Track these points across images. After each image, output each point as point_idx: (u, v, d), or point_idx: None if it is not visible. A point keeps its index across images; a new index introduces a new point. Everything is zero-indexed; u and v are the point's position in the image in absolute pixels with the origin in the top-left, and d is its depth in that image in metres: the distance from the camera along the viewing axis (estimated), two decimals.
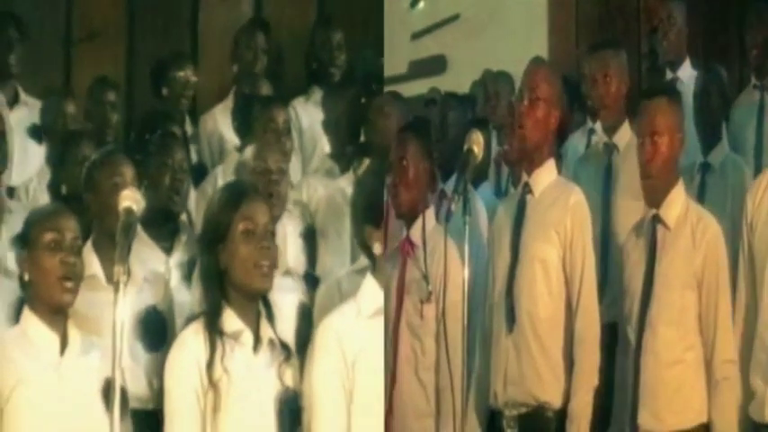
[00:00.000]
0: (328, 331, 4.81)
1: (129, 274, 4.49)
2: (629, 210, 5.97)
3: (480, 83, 8.51)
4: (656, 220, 5.46)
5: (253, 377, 4.68)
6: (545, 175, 5.67)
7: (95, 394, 4.68)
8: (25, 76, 7.97)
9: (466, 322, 5.08)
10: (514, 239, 5.63)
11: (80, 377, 4.73)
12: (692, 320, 5.36)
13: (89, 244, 5.51)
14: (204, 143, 7.67)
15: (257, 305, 4.77)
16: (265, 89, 7.66)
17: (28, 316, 4.79)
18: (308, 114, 7.50)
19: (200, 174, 6.61)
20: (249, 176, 5.82)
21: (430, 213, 5.80)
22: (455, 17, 10.44)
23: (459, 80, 9.22)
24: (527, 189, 5.69)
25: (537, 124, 5.66)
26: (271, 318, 4.79)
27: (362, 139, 6.54)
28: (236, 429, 4.63)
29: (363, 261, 5.31)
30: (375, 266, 4.97)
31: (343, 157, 6.65)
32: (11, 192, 6.73)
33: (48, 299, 4.75)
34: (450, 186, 6.11)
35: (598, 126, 6.72)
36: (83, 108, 7.47)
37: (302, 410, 4.79)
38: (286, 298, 5.45)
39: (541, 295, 5.53)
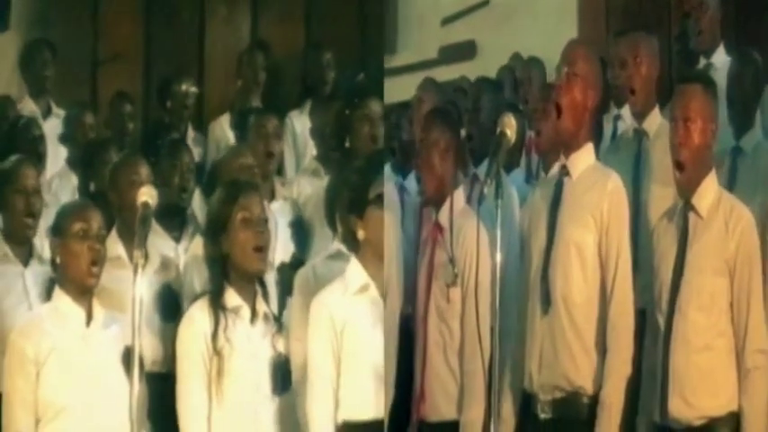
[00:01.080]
0: (321, 305, 4.76)
1: (146, 257, 4.51)
2: (659, 197, 5.31)
3: (507, 68, 8.00)
4: (689, 207, 4.82)
5: (250, 345, 4.67)
6: (583, 158, 4.97)
7: (116, 360, 4.69)
8: (57, 92, 8.02)
9: (497, 306, 4.48)
10: (550, 222, 4.95)
11: (103, 345, 4.75)
12: (723, 307, 4.73)
13: (114, 232, 5.54)
14: (212, 147, 7.66)
15: (254, 284, 4.76)
16: (262, 102, 7.69)
17: (59, 294, 4.81)
18: (302, 123, 7.47)
19: (202, 174, 6.63)
20: (235, 172, 5.81)
21: (458, 194, 5.35)
22: (485, 2, 9.74)
23: (488, 65, 8.45)
24: (564, 171, 4.98)
25: (573, 102, 4.92)
26: (265, 295, 4.78)
27: (347, 145, 6.54)
28: (237, 390, 4.61)
29: (333, 248, 5.24)
30: (359, 250, 4.86)
31: (329, 160, 6.62)
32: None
33: (77, 279, 4.77)
34: (482, 170, 5.68)
35: (624, 112, 6.10)
36: (103, 118, 7.49)
37: (291, 372, 4.78)
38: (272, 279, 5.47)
39: (576, 279, 4.86)
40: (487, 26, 9.67)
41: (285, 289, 5.46)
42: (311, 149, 7.20)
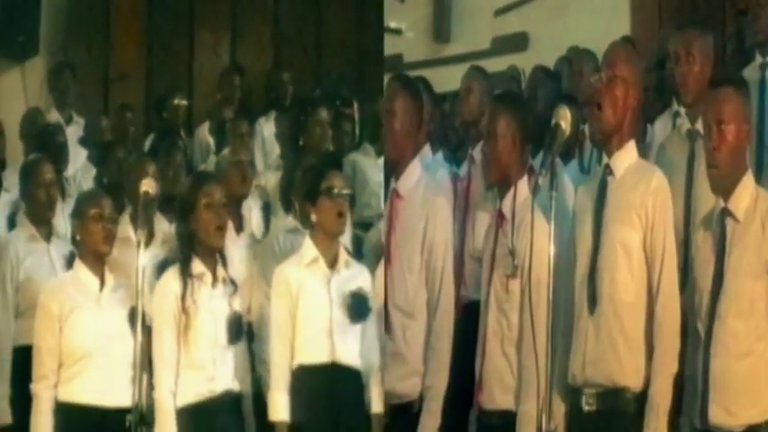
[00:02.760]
0: (280, 274, 4.73)
1: (151, 235, 4.63)
2: (710, 199, 4.15)
3: (564, 59, 6.58)
4: (726, 213, 3.95)
5: (211, 305, 4.60)
6: (626, 157, 4.17)
7: (124, 318, 4.64)
8: (77, 104, 7.94)
9: (551, 298, 3.83)
10: (596, 222, 4.13)
11: (112, 306, 4.71)
12: (761, 311, 3.86)
13: (126, 217, 5.51)
14: (197, 149, 7.67)
15: (215, 255, 4.67)
16: (235, 113, 7.68)
17: (78, 264, 4.80)
18: (268, 128, 7.46)
19: (190, 169, 6.62)
20: (227, 167, 5.77)
21: (522, 185, 4.46)
22: None
23: (541, 57, 6.86)
24: (608, 171, 4.19)
25: (614, 103, 4.13)
26: (224, 264, 4.70)
27: (301, 143, 6.53)
28: (201, 340, 4.55)
29: (291, 225, 5.25)
30: (312, 230, 4.78)
31: (288, 157, 6.63)
32: (66, 180, 6.64)
33: (93, 252, 4.76)
34: (538, 162, 4.66)
35: (683, 109, 4.87)
36: (111, 125, 7.44)
37: (243, 326, 4.74)
38: (245, 251, 5.46)
39: (623, 279, 4.05)
40: (540, 18, 8.24)
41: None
42: (276, 149, 7.18)
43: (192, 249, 4.64)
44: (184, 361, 4.53)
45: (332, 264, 4.75)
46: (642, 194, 4.11)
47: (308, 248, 4.77)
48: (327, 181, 4.75)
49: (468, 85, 5.79)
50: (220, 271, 4.69)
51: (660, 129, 5.22)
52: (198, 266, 4.62)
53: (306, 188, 4.90)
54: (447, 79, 6.95)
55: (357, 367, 4.70)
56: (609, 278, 4.08)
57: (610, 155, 4.22)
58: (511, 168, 4.48)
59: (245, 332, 4.77)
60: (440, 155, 5.88)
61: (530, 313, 4.12)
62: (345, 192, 4.78)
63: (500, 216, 4.51)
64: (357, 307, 4.73)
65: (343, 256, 4.79)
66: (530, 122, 4.60)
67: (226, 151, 6.22)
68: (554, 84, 5.78)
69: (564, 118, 3.96)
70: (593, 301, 4.10)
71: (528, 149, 4.58)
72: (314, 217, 4.77)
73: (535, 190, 3.92)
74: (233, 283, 4.73)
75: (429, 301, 4.74)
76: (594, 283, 4.11)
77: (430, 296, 4.74)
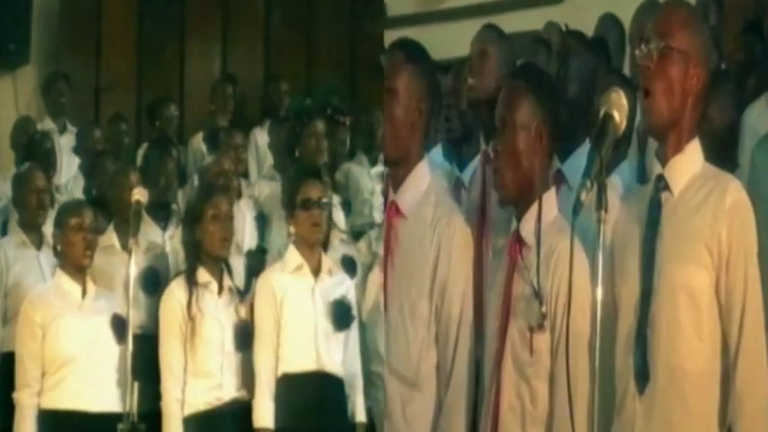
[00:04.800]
0: (265, 280, 4.65)
1: (138, 244, 4.54)
2: None
3: (608, 17, 4.70)
4: None
5: (218, 313, 4.58)
6: (687, 165, 2.85)
7: (105, 325, 4.59)
8: (70, 113, 7.85)
9: (597, 363, 2.57)
10: (646, 259, 2.83)
11: (94, 314, 4.62)
12: None
13: (111, 226, 5.38)
14: (190, 157, 7.54)
15: (220, 264, 4.66)
16: (229, 122, 7.62)
17: (60, 274, 4.71)
18: (263, 138, 7.35)
19: (183, 177, 6.57)
20: (211, 177, 5.69)
21: (549, 199, 3.11)
22: None
23: (580, 15, 5.01)
24: (662, 185, 2.87)
25: (669, 87, 2.81)
26: (230, 273, 4.69)
27: (297, 154, 6.42)
28: (207, 347, 4.53)
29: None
30: (294, 240, 4.72)
31: (283, 168, 6.51)
32: (57, 189, 6.56)
33: (73, 262, 4.65)
34: (571, 166, 3.34)
35: None
36: (104, 134, 7.32)
37: (250, 334, 4.65)
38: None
39: (688, 339, 2.78)
40: None
41: (252, 271, 5.35)
42: (270, 159, 7.08)
43: (198, 259, 4.64)
44: (192, 369, 4.53)
45: (315, 271, 4.67)
46: (713, 217, 2.81)
47: (292, 256, 4.69)
48: (303, 193, 4.69)
49: (482, 48, 3.85)
50: (226, 280, 4.66)
51: (755, 120, 3.92)
52: (203, 275, 4.60)
53: (284, 199, 4.89)
54: (446, 43, 5.00)
55: (341, 375, 4.61)
56: (667, 340, 2.81)
57: (664, 162, 2.88)
58: (534, 175, 3.12)
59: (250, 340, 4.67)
60: (437, 150, 4.34)
61: (566, 381, 2.78)
62: (323, 201, 4.71)
63: (517, 242, 3.13)
64: (341, 315, 4.67)
65: (327, 264, 4.71)
66: (560, 110, 3.29)
67: (209, 161, 6.15)
68: (593, 56, 4.01)
69: (617, 106, 2.66)
70: (643, 374, 2.83)
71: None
72: (291, 229, 4.72)
73: (576, 209, 2.58)
74: (239, 291, 4.71)
75: (440, 366, 3.39)
76: (645, 346, 2.82)
77: (441, 359, 3.38)
